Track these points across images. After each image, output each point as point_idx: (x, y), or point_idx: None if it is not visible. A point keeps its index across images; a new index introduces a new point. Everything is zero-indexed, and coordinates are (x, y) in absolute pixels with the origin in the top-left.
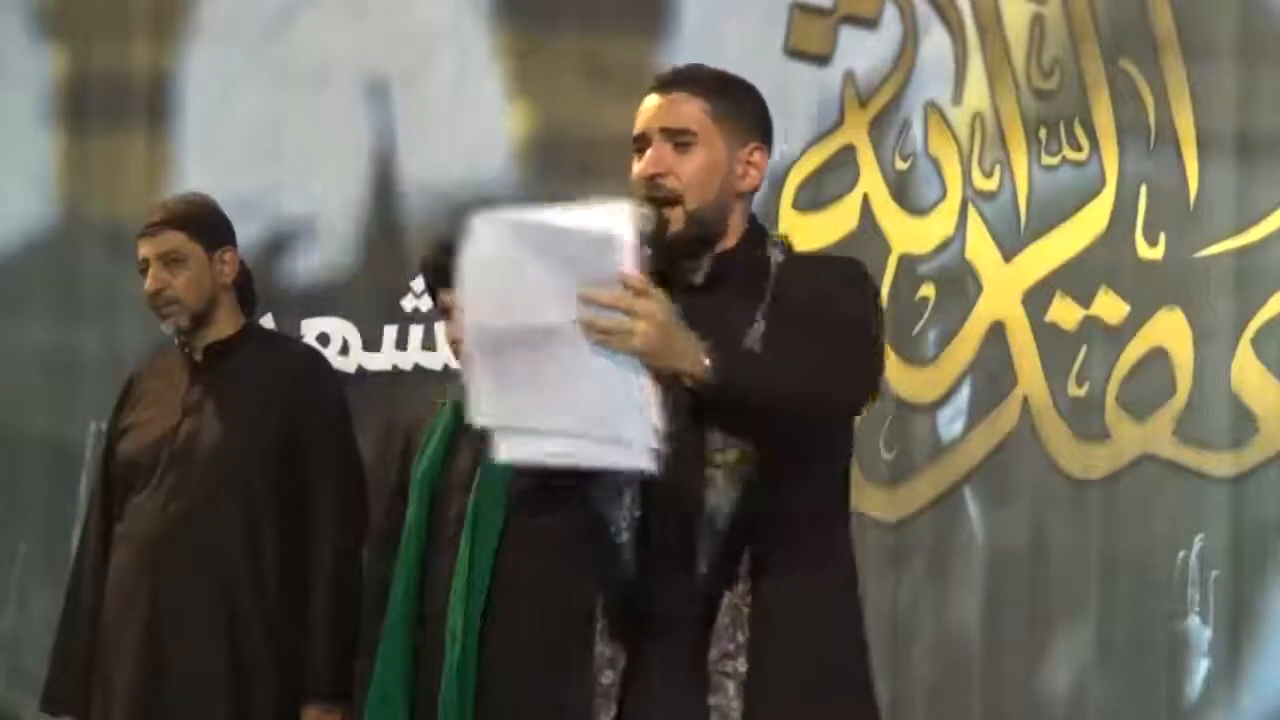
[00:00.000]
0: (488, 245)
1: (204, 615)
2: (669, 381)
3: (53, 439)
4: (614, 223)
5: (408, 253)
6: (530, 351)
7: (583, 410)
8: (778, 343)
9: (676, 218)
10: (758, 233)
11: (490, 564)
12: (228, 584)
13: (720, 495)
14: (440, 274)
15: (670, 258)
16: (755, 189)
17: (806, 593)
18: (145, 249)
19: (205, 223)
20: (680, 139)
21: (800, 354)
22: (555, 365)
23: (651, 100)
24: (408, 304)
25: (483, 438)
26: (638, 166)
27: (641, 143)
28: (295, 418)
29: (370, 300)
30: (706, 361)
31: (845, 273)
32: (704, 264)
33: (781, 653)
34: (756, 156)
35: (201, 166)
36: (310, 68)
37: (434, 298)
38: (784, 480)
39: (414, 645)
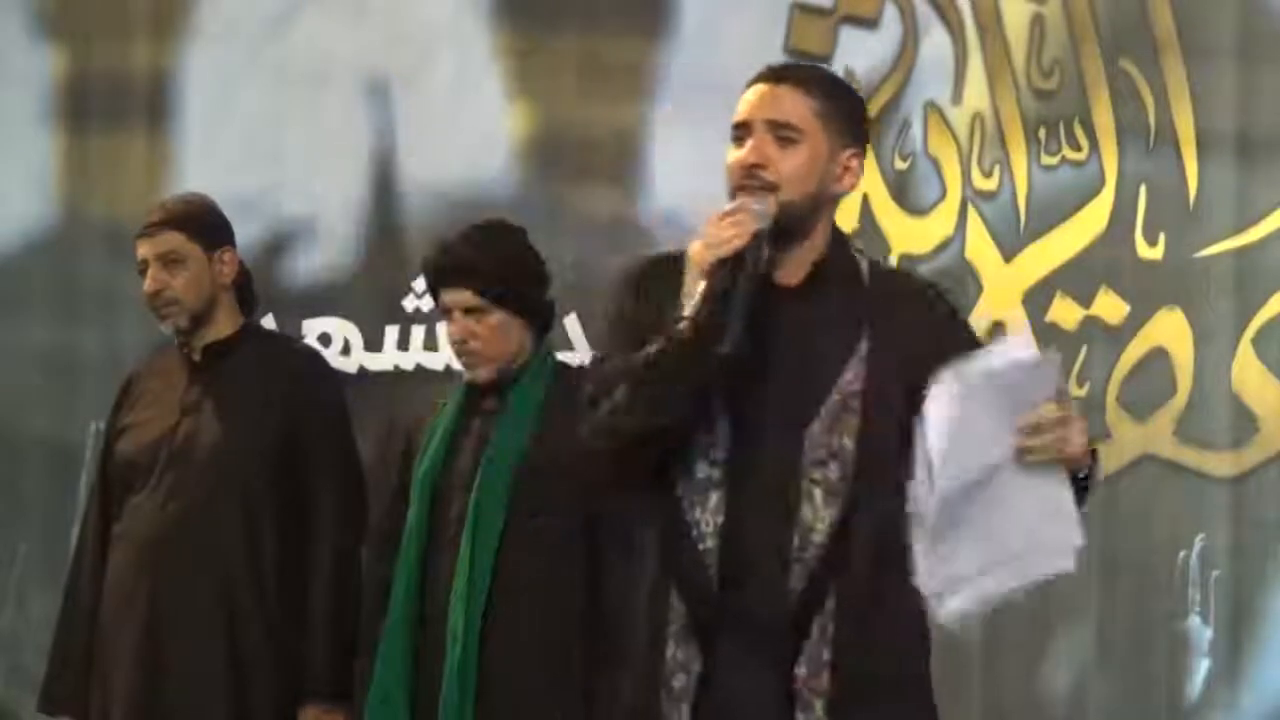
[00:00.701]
0: (953, 405)
1: (203, 615)
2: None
3: (53, 439)
4: (1033, 351)
5: (409, 253)
6: (974, 496)
7: (1012, 532)
8: None
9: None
10: (842, 236)
11: (491, 564)
12: (226, 584)
13: (817, 511)
14: (441, 274)
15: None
16: (848, 193)
17: (893, 611)
18: (144, 249)
19: (204, 223)
20: (783, 133)
21: None
22: (991, 501)
23: (758, 90)
24: (409, 304)
25: (484, 436)
26: (736, 154)
27: (742, 131)
28: (294, 418)
29: (371, 300)
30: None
31: (955, 312)
32: (798, 264)
33: (869, 671)
34: (854, 162)
35: (201, 166)
36: (310, 68)
37: (435, 298)
38: (874, 499)
39: (415, 645)
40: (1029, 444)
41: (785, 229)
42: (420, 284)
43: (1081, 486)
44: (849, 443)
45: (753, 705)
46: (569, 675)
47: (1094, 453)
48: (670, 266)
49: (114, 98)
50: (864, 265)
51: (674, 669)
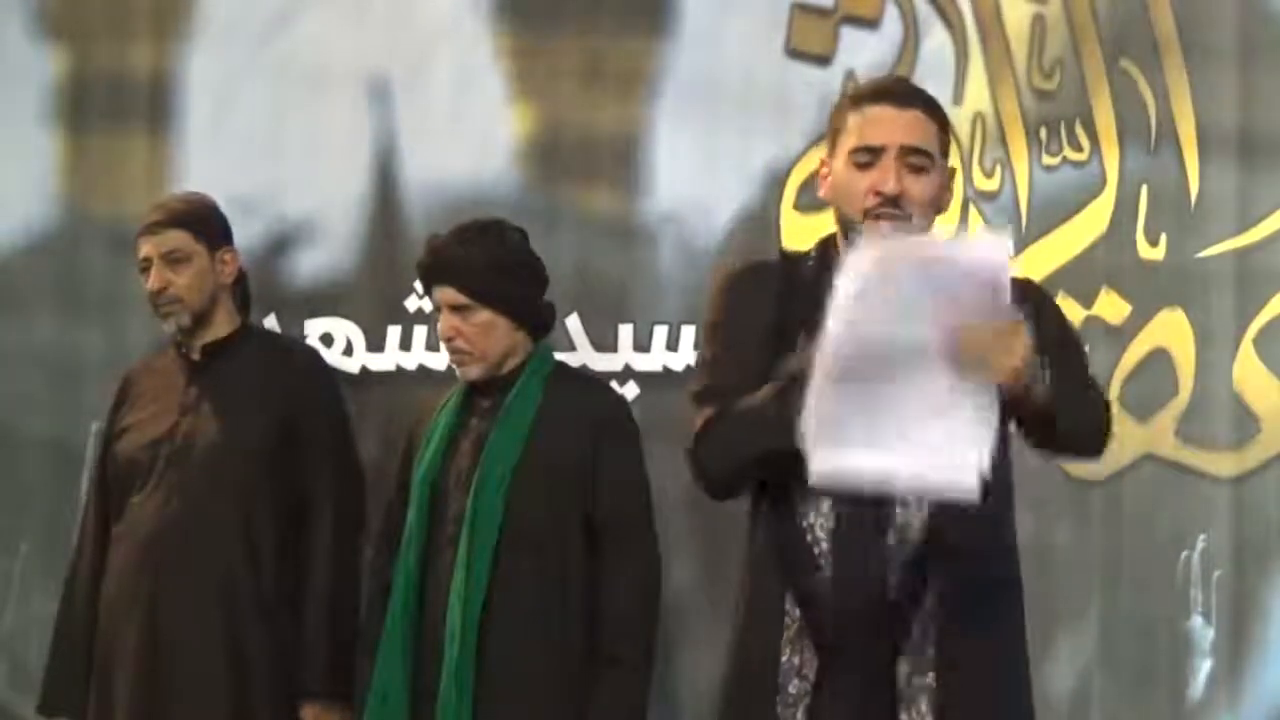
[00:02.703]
0: (869, 263)
1: (203, 614)
2: (1012, 409)
3: (54, 439)
4: (998, 255)
5: (410, 253)
6: (884, 370)
7: (919, 432)
8: (1067, 376)
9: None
10: None
11: (489, 564)
12: (226, 583)
13: (912, 511)
14: (430, 271)
15: None
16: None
17: (991, 607)
18: (147, 248)
19: (208, 222)
20: (916, 160)
21: (1093, 397)
22: (905, 386)
23: (889, 112)
24: (411, 304)
25: (482, 436)
26: (872, 178)
27: (874, 155)
28: (294, 417)
29: (373, 301)
30: (1042, 387)
31: (1059, 311)
32: None
33: (970, 667)
34: (951, 184)
35: (202, 166)
36: (311, 68)
37: (429, 295)
38: (960, 507)
39: (414, 645)
40: (956, 344)
41: None
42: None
43: (1023, 413)
44: None
45: (862, 709)
46: (567, 676)
47: (1050, 395)
48: (769, 273)
49: (115, 98)
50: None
51: (789, 674)
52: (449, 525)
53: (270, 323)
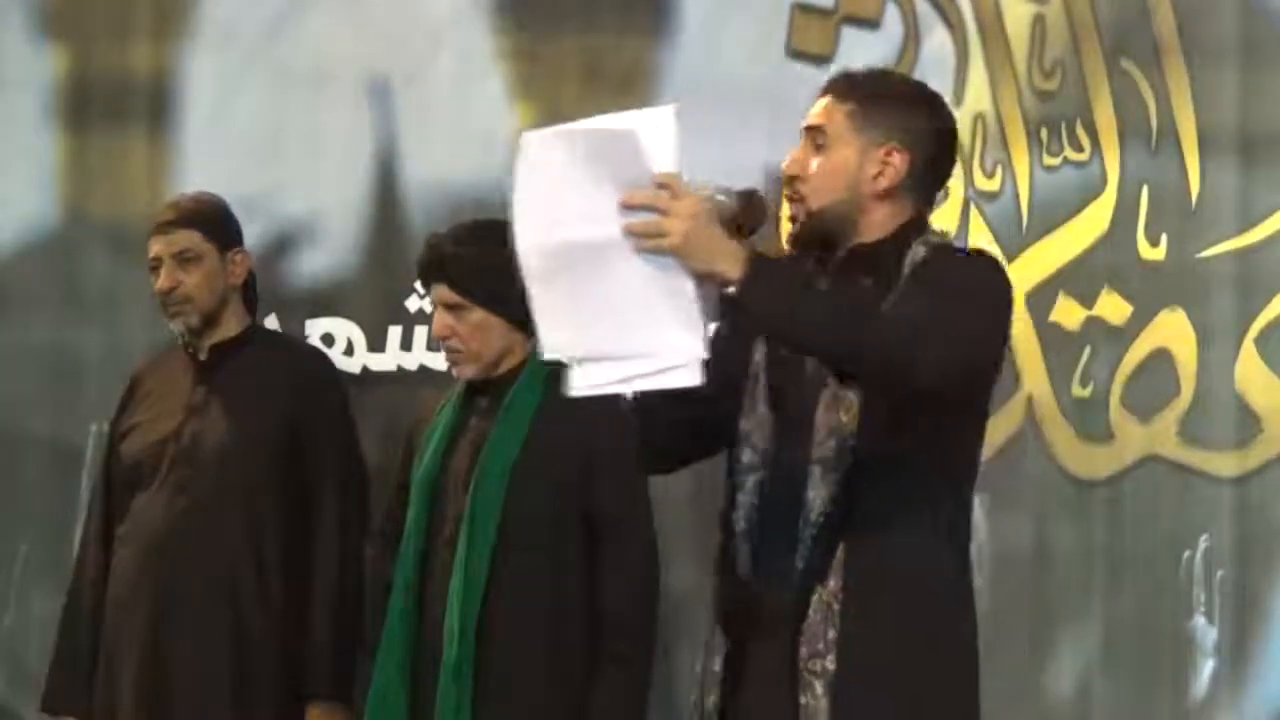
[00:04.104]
0: (537, 160)
1: (208, 614)
2: (708, 285)
3: (54, 439)
4: (646, 122)
5: (411, 253)
6: (585, 269)
7: (632, 327)
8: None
9: (800, 215)
10: (908, 233)
11: (488, 564)
12: (232, 583)
13: (816, 490)
14: (425, 269)
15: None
16: (890, 189)
17: (900, 591)
18: (158, 247)
19: (219, 223)
20: (816, 138)
21: (861, 306)
22: (608, 281)
23: (816, 100)
24: (412, 304)
25: (481, 436)
26: None
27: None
28: (299, 418)
29: (374, 301)
30: (741, 269)
31: (981, 261)
32: (851, 262)
33: (871, 651)
34: (895, 158)
35: (203, 167)
36: (311, 68)
37: (427, 293)
38: (878, 476)
39: (413, 645)
40: (625, 224)
41: (819, 234)
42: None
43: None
44: (845, 418)
45: (765, 691)
46: (566, 675)
47: (748, 277)
48: None
49: (115, 98)
50: (917, 255)
51: (712, 652)
52: (448, 525)
53: (271, 323)
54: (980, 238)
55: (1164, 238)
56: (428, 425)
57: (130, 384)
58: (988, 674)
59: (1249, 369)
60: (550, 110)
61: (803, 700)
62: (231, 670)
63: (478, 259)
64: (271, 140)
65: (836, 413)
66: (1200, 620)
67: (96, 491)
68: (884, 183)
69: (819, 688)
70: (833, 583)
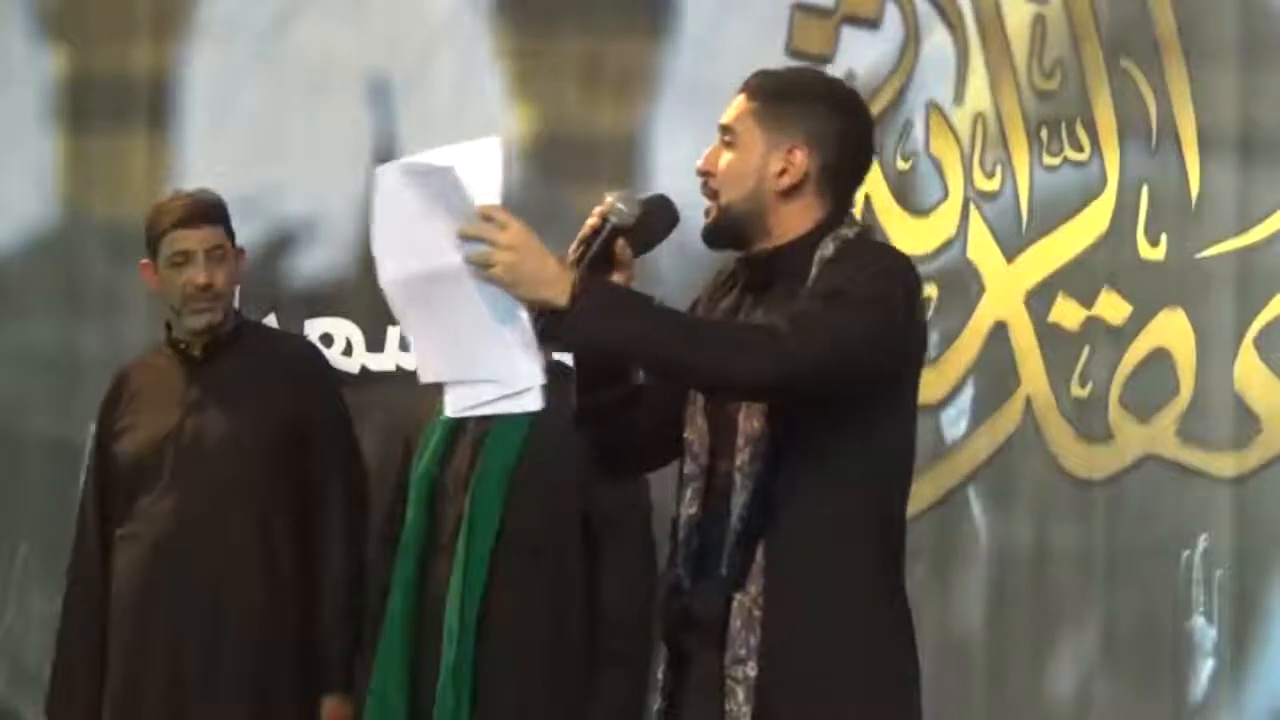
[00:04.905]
0: (388, 193)
1: (226, 611)
2: (539, 312)
3: (53, 439)
4: (471, 155)
5: None
6: (438, 298)
7: (482, 353)
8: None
9: (712, 210)
10: (821, 232)
11: (487, 564)
12: (247, 578)
13: (737, 496)
14: None
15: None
16: (790, 189)
17: (822, 595)
18: (191, 241)
19: (229, 220)
20: (727, 136)
21: (685, 320)
22: (458, 310)
23: None
24: None
25: (480, 437)
26: None
27: None
28: (299, 410)
29: (374, 301)
30: (567, 295)
31: (874, 259)
32: (754, 265)
33: (793, 657)
34: (796, 157)
35: (203, 167)
36: (311, 68)
37: None
38: (796, 479)
39: (412, 646)
40: (466, 256)
41: (729, 231)
42: None
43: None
44: (758, 424)
45: (697, 698)
46: (565, 675)
47: (574, 307)
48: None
49: (115, 98)
50: (825, 253)
51: (659, 661)
52: (447, 526)
53: (270, 323)
54: (980, 238)
55: (1164, 237)
56: (426, 425)
57: (115, 383)
58: (987, 674)
59: (1248, 369)
60: (550, 110)
61: (728, 707)
62: (251, 666)
63: None
64: (271, 140)
65: (751, 419)
66: (1199, 620)
67: (89, 494)
68: (787, 181)
69: (741, 695)
70: (753, 588)
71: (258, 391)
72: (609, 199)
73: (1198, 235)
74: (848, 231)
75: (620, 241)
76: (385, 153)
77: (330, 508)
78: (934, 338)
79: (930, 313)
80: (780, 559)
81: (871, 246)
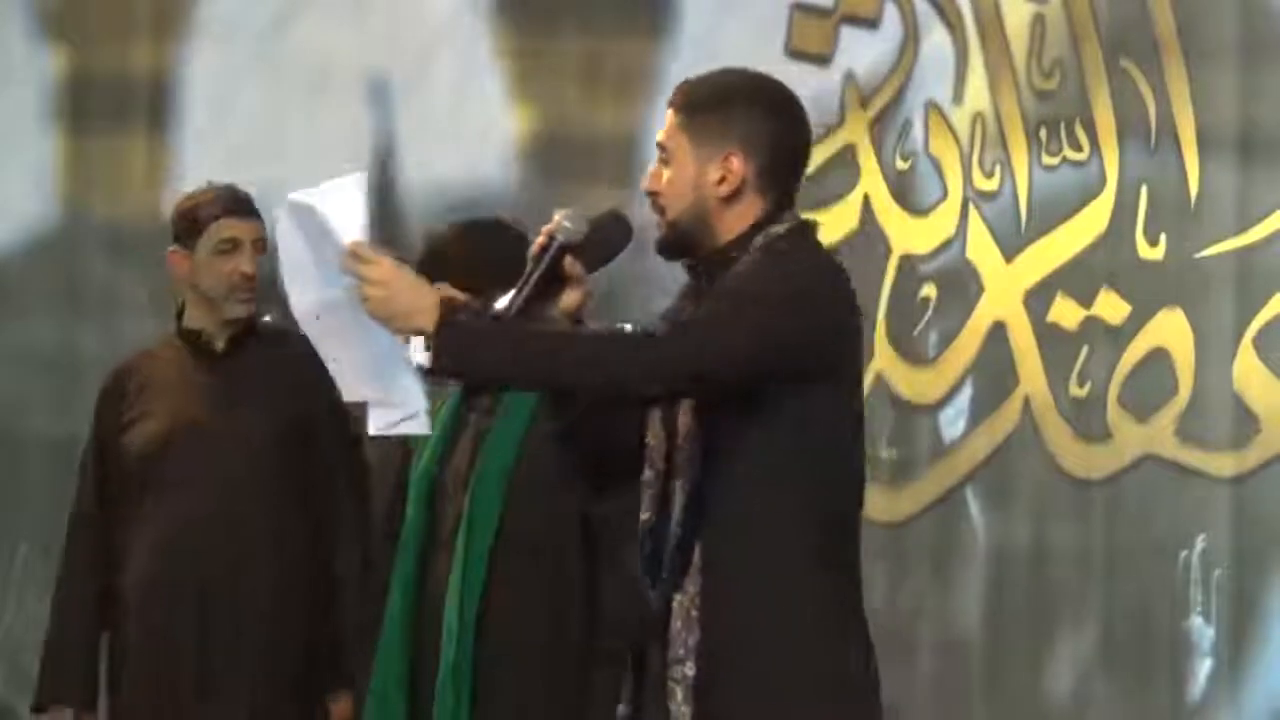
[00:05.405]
0: (286, 228)
1: (248, 602)
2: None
3: (53, 439)
4: (332, 194)
5: (409, 252)
6: (339, 326)
7: (379, 378)
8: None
9: (662, 226)
10: (754, 232)
11: (486, 563)
12: (257, 573)
13: (677, 497)
14: (424, 268)
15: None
16: (732, 195)
17: (756, 594)
18: (241, 231)
19: None
20: (662, 154)
21: (550, 337)
22: (355, 337)
23: None
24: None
25: (480, 435)
26: None
27: None
28: (304, 406)
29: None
30: (433, 326)
31: (771, 262)
32: (696, 269)
33: (730, 655)
34: (732, 163)
35: (202, 166)
36: (310, 68)
37: None
38: (729, 477)
39: (412, 644)
40: (348, 289)
41: (677, 244)
42: None
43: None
44: (688, 419)
45: (650, 700)
46: (565, 675)
47: (439, 335)
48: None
49: (115, 98)
50: (748, 257)
51: (625, 665)
52: (447, 524)
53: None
54: (979, 237)
55: (1163, 237)
56: None
57: (116, 379)
58: (985, 673)
59: (1247, 369)
60: (550, 110)
61: (670, 707)
62: (269, 657)
63: (476, 256)
64: (271, 140)
65: (684, 415)
66: (1197, 620)
67: (89, 483)
68: (726, 188)
69: (680, 695)
70: (691, 588)
71: (270, 388)
72: (556, 216)
73: (1197, 235)
74: (779, 228)
75: (569, 259)
76: (385, 152)
77: (338, 503)
78: (932, 337)
79: (929, 312)
80: (715, 558)
81: (783, 249)
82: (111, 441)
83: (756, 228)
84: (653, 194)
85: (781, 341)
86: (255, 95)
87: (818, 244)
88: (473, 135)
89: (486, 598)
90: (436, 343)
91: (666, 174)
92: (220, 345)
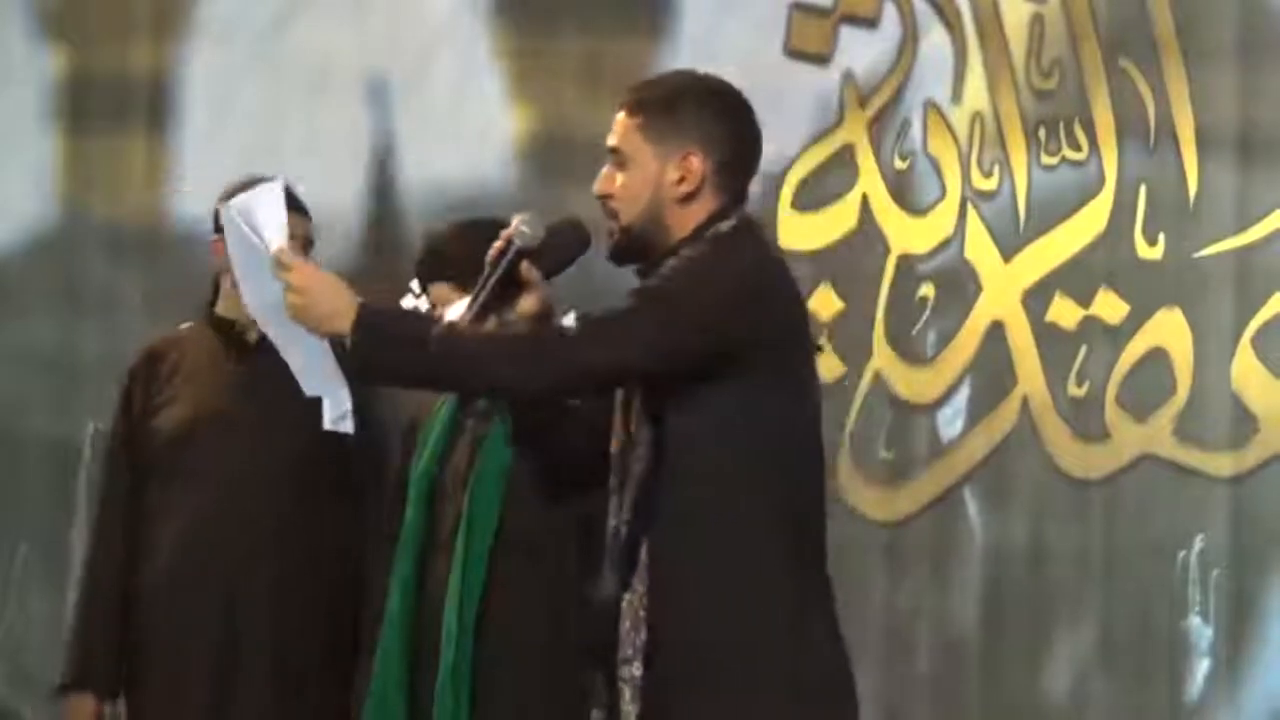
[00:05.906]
0: (229, 231)
1: (273, 589)
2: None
3: (53, 439)
4: (255, 200)
5: (408, 252)
6: (282, 325)
7: (318, 377)
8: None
9: (614, 231)
10: (706, 226)
11: (485, 564)
12: (285, 562)
13: (625, 500)
14: (421, 266)
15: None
16: (689, 194)
17: (702, 592)
18: (295, 226)
19: None
20: (617, 157)
21: (454, 342)
22: (295, 337)
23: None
24: (408, 303)
25: (478, 436)
26: None
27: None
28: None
29: (372, 299)
30: (349, 329)
31: (696, 256)
32: (645, 271)
33: (675, 653)
34: (692, 163)
35: (202, 167)
36: (310, 68)
37: (425, 293)
38: (676, 475)
39: (411, 646)
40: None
41: (635, 247)
42: None
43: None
44: (642, 422)
45: (613, 699)
46: (564, 675)
47: (352, 338)
48: None
49: (114, 98)
50: (684, 254)
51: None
52: (446, 525)
53: None
54: (978, 237)
55: (1161, 237)
56: (425, 424)
57: (148, 359)
58: (983, 673)
59: (1245, 368)
60: (549, 110)
61: (622, 707)
62: (290, 652)
63: (476, 256)
64: (271, 140)
65: (635, 421)
66: (1196, 620)
67: (120, 468)
68: (686, 187)
69: (628, 694)
70: (640, 587)
71: (293, 382)
72: (515, 221)
73: (1196, 235)
74: (724, 225)
75: (526, 264)
76: (385, 152)
77: (358, 496)
78: (931, 337)
79: (927, 312)
80: (660, 556)
81: (708, 246)
82: (141, 424)
83: (707, 225)
84: (604, 197)
85: (688, 340)
86: (255, 95)
87: (761, 239)
88: (472, 135)
89: (486, 598)
90: (351, 346)
91: (620, 177)
92: (252, 337)
